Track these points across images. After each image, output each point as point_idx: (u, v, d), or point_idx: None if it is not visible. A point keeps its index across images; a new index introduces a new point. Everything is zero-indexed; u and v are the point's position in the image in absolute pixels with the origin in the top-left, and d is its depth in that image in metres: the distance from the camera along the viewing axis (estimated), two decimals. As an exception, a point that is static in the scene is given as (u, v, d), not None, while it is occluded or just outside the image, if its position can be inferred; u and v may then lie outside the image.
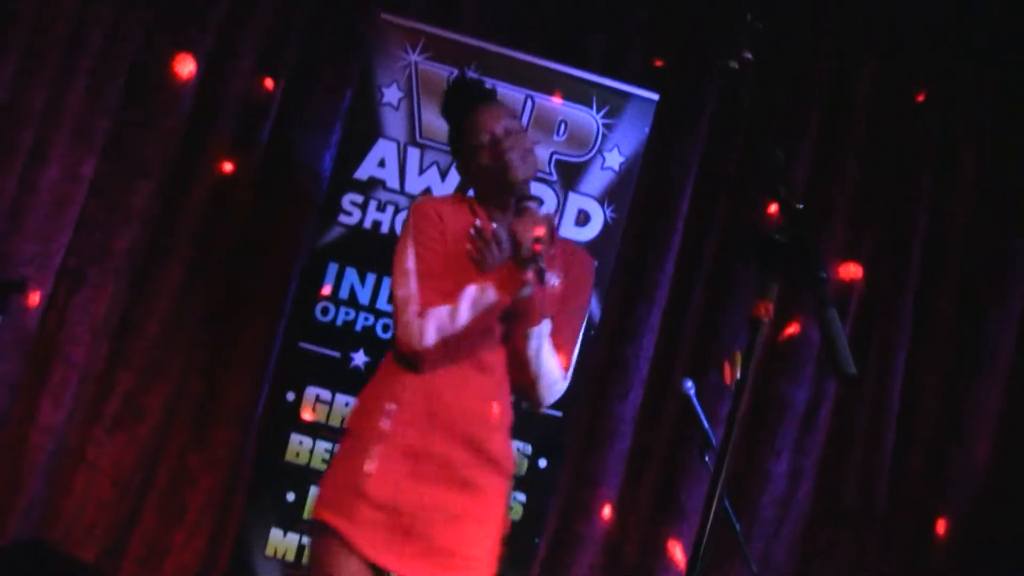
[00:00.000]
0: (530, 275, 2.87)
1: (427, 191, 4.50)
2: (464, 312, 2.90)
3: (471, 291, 2.91)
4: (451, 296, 2.93)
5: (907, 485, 4.91)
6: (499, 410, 3.04)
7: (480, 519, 2.99)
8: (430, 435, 2.93)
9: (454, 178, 4.47)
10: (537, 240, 2.82)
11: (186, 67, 4.75)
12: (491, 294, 2.89)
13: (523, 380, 3.08)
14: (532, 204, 3.03)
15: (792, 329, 4.95)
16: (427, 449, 2.92)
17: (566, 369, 3.12)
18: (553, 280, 3.12)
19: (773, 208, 4.74)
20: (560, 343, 3.10)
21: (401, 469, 2.90)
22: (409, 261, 3.01)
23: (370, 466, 2.90)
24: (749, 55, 2.23)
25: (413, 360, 2.95)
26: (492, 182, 3.08)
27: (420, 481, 2.90)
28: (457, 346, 2.95)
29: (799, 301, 4.88)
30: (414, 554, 2.89)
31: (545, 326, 3.03)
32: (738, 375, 2.06)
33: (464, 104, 3.18)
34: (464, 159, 3.18)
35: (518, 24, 4.99)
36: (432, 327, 2.91)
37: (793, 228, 2.05)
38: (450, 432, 2.94)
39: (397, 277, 3.01)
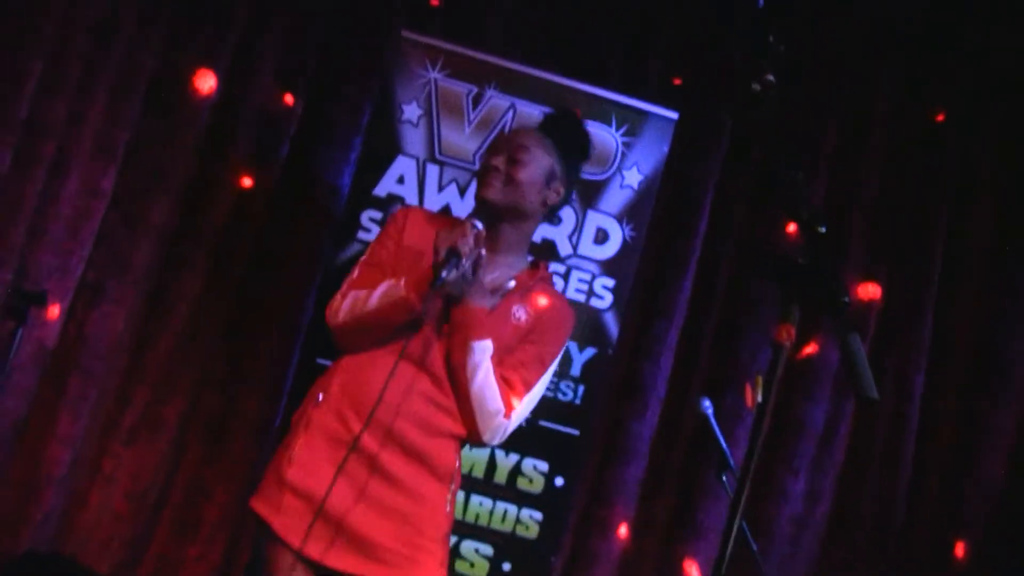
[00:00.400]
0: (441, 276, 2.88)
1: (446, 208, 4.50)
2: (374, 299, 3.01)
3: (386, 283, 3.03)
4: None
5: (925, 506, 4.90)
6: (437, 413, 3.04)
7: (407, 516, 2.99)
8: (355, 424, 2.97)
9: (473, 195, 4.48)
10: (451, 251, 2.89)
11: (206, 82, 4.77)
12: (400, 288, 2.97)
13: (460, 402, 3.06)
14: (474, 220, 3.04)
15: (810, 348, 4.94)
16: (340, 430, 2.98)
17: (510, 408, 3.07)
18: (519, 313, 3.13)
19: (792, 228, 4.73)
20: (509, 378, 3.08)
21: (322, 456, 2.96)
22: (367, 253, 3.23)
23: (292, 453, 3.00)
24: (771, 77, 2.22)
25: (335, 343, 3.12)
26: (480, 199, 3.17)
27: (332, 464, 2.93)
28: (382, 338, 3.02)
29: (817, 321, 4.87)
30: (338, 544, 2.93)
31: (488, 345, 3.02)
32: (759, 399, 2.05)
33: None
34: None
35: (538, 42, 5.00)
36: (347, 306, 3.06)
37: (815, 251, 2.04)
38: (360, 412, 2.97)
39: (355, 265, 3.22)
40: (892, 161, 5.07)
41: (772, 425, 4.89)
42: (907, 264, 5.02)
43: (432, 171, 4.54)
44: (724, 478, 3.69)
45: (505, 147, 3.17)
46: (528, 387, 3.13)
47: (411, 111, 4.53)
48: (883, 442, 4.95)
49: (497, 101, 4.55)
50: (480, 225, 3.03)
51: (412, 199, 4.51)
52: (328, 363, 4.37)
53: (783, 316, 2.03)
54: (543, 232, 4.52)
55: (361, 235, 4.49)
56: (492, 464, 4.48)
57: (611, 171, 4.58)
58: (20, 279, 4.53)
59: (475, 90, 4.55)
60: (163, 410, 4.74)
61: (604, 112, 4.58)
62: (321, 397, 3.06)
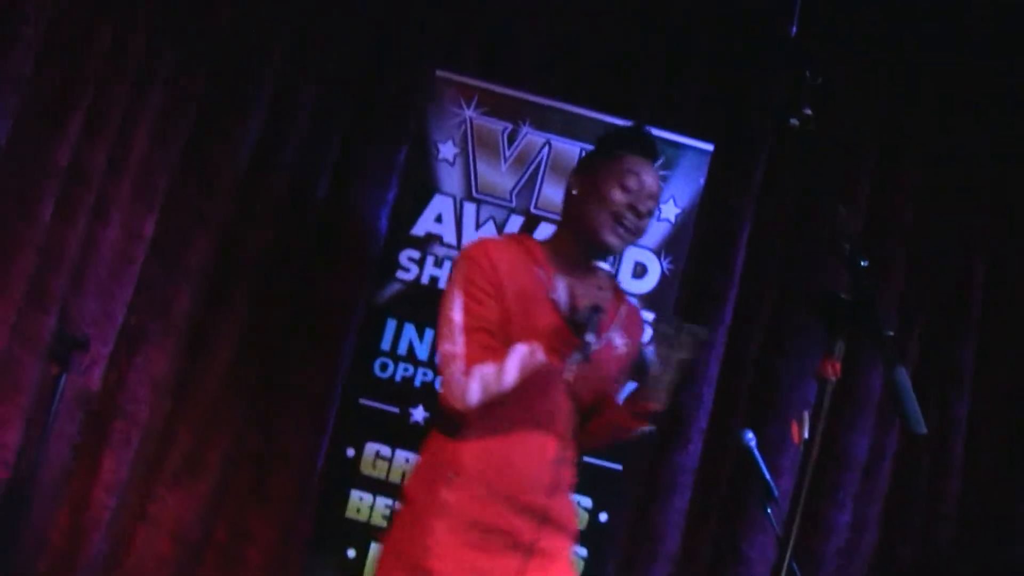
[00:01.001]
0: (588, 341, 2.71)
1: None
2: (511, 372, 2.76)
3: (520, 351, 2.78)
4: (499, 353, 2.80)
5: (972, 535, 4.85)
6: (562, 471, 2.92)
7: None
8: (493, 505, 2.81)
9: (511, 232, 4.50)
10: (596, 308, 2.75)
11: (243, 124, 4.81)
12: (539, 356, 2.77)
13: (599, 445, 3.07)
14: (603, 266, 2.93)
15: (853, 378, 4.91)
16: (490, 519, 2.81)
17: None
18: (618, 340, 3.01)
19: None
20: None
21: (464, 541, 2.79)
22: (456, 313, 2.87)
23: (433, 540, 2.80)
24: (809, 111, 2.23)
25: (457, 419, 2.84)
26: (586, 232, 2.93)
27: (484, 552, 2.80)
28: (509, 405, 2.82)
29: (859, 350, 4.84)
30: None
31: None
32: (806, 435, 2.05)
33: (623, 142, 3.02)
34: (579, 193, 2.99)
35: (571, 77, 5.01)
36: (477, 386, 2.77)
37: (858, 286, 2.04)
38: (513, 500, 2.82)
39: (442, 328, 2.88)
40: (930, 190, 5.04)
41: (816, 456, 4.86)
42: (947, 290, 4.99)
43: (469, 209, 4.55)
44: (768, 510, 3.65)
45: (640, 192, 2.94)
46: None
47: (447, 149, 4.55)
48: (929, 472, 4.91)
49: (532, 138, 4.56)
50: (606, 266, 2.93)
51: (450, 238, 4.52)
52: (370, 403, 4.44)
53: (828, 351, 2.03)
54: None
55: (400, 274, 4.50)
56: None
57: (648, 205, 4.58)
58: (63, 325, 4.57)
59: (510, 127, 4.56)
60: (206, 452, 4.76)
61: (639, 146, 4.58)
62: (454, 475, 2.83)
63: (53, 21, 4.52)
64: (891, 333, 1.97)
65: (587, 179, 2.98)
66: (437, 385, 4.45)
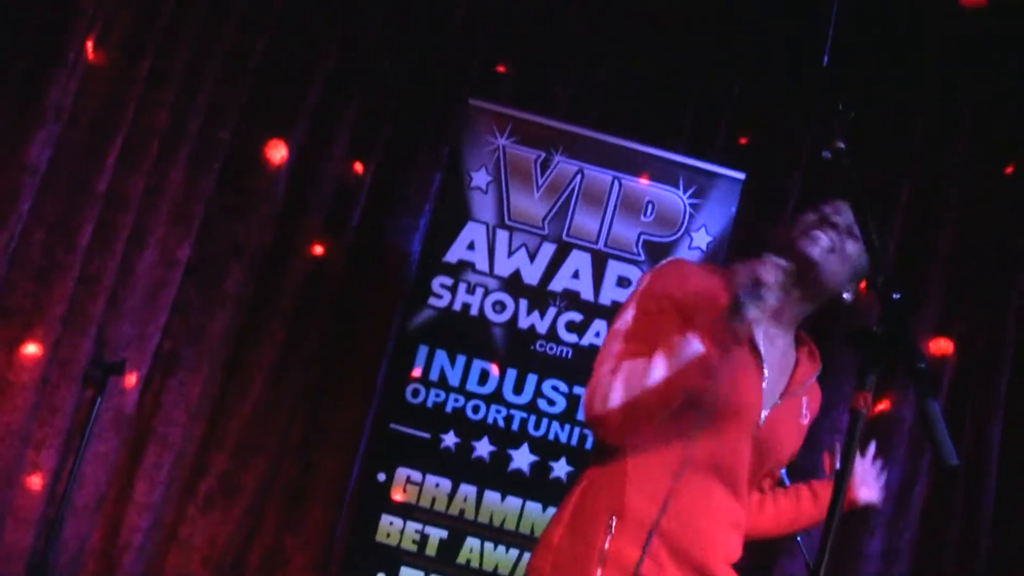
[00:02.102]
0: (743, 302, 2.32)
1: (516, 273, 4.54)
2: (659, 364, 2.35)
3: (670, 342, 2.37)
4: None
5: (1007, 565, 4.82)
6: (733, 538, 2.58)
7: None
8: (657, 560, 2.45)
9: (543, 260, 4.54)
10: (757, 281, 2.34)
11: (279, 152, 4.86)
12: (694, 344, 2.33)
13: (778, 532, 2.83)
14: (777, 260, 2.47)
15: (883, 406, 4.90)
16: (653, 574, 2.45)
17: None
18: (805, 409, 2.67)
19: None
20: None
21: None
22: (624, 324, 2.52)
23: None
24: (842, 144, 2.24)
25: (596, 431, 2.49)
26: (778, 246, 2.57)
27: None
28: (683, 443, 2.44)
29: (890, 379, 4.83)
30: None
31: None
32: (838, 466, 2.05)
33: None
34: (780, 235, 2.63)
35: (604, 106, 5.05)
36: (620, 382, 2.39)
37: (891, 319, 2.04)
38: (680, 558, 2.47)
39: (607, 339, 2.54)
40: (966, 214, 5.04)
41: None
42: (983, 316, 4.98)
43: (502, 236, 4.58)
44: (799, 539, 3.65)
45: (841, 216, 2.60)
46: None
47: (480, 177, 4.59)
48: (962, 499, 4.88)
49: (565, 166, 4.59)
50: (785, 264, 2.47)
51: (483, 265, 4.55)
52: (402, 429, 4.47)
53: (859, 384, 2.03)
54: (612, 295, 4.54)
55: (432, 301, 4.53)
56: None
57: (679, 233, 4.60)
58: (99, 348, 4.62)
59: (543, 155, 4.60)
60: (240, 476, 4.79)
61: (671, 174, 4.61)
62: (614, 522, 2.45)
63: (94, 50, 4.58)
64: (923, 366, 1.97)
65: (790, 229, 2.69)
66: (469, 412, 4.49)
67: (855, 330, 2.03)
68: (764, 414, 2.51)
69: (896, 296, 2.05)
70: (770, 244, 2.55)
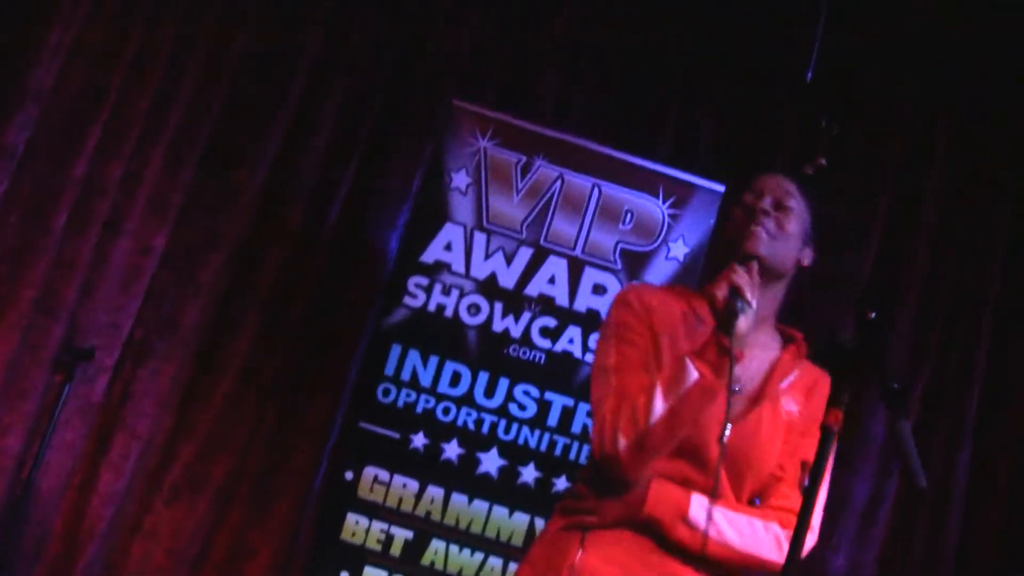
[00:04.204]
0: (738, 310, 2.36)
1: (492, 276, 4.53)
2: (659, 397, 2.36)
3: (666, 374, 2.40)
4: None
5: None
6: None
7: None
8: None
9: (519, 264, 4.53)
10: (736, 290, 2.40)
11: (260, 144, 4.84)
12: (690, 371, 2.36)
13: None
14: (741, 268, 2.50)
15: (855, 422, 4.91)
16: None
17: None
18: (790, 406, 2.60)
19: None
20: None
21: None
22: (609, 358, 2.53)
23: None
24: (823, 161, 2.25)
25: (608, 470, 2.44)
26: (726, 254, 2.61)
27: None
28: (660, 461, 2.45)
29: (860, 396, 4.84)
30: None
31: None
32: (806, 482, 2.05)
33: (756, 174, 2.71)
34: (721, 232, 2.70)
35: (587, 113, 5.05)
36: (625, 421, 2.39)
37: (866, 337, 2.04)
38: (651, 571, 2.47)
39: (596, 378, 2.53)
40: (943, 232, 5.05)
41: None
42: (956, 338, 4.99)
43: (479, 239, 4.57)
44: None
45: (770, 190, 2.64)
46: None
47: (460, 179, 4.58)
48: (928, 517, 4.89)
49: (545, 171, 4.59)
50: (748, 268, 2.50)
51: (459, 267, 4.54)
52: (371, 428, 4.45)
53: (832, 401, 2.03)
54: (588, 302, 4.54)
55: (407, 300, 4.52)
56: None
57: (657, 243, 4.60)
58: (70, 335, 4.58)
59: (524, 159, 4.59)
60: (208, 468, 4.75)
61: (651, 184, 4.61)
62: (588, 539, 2.48)
63: (76, 35, 4.56)
64: (897, 386, 1.97)
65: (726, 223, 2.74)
66: (439, 414, 4.47)
67: (828, 346, 2.03)
68: (729, 426, 2.46)
69: (871, 315, 2.06)
70: (718, 253, 2.57)
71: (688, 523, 2.42)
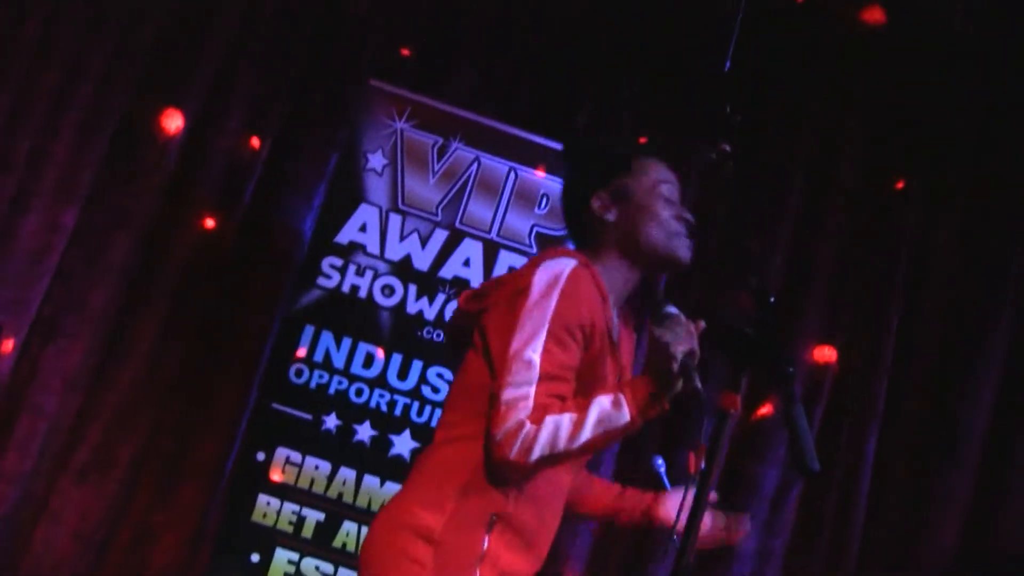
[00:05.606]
0: (700, 390, 2.37)
1: (407, 258, 4.51)
2: (587, 430, 2.35)
3: (602, 405, 2.37)
4: (567, 401, 2.42)
5: (875, 569, 4.90)
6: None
7: None
8: (524, 558, 2.54)
9: (434, 246, 4.52)
10: (689, 355, 2.37)
11: (173, 122, 4.77)
12: (625, 413, 2.37)
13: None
14: (673, 310, 2.47)
15: (765, 410, 4.95)
16: (519, 573, 2.54)
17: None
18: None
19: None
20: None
21: None
22: (535, 353, 2.39)
23: None
24: (727, 147, 2.26)
25: (502, 471, 2.42)
26: (649, 251, 2.61)
27: None
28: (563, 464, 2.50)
29: (773, 383, 4.89)
30: None
31: None
32: (702, 466, 2.07)
33: (646, 146, 2.75)
34: (618, 202, 2.64)
35: (505, 96, 5.04)
36: (545, 440, 2.34)
37: (763, 321, 2.06)
38: (538, 554, 2.59)
39: (512, 364, 2.40)
40: (852, 227, 5.10)
41: (724, 485, 4.90)
42: (863, 330, 5.05)
43: (395, 220, 4.55)
44: (675, 537, 3.67)
45: (683, 199, 2.69)
46: None
47: (376, 160, 4.56)
48: (835, 504, 4.96)
49: (462, 153, 4.58)
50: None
51: (374, 248, 4.52)
52: (283, 409, 4.42)
53: (730, 384, 2.05)
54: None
55: (321, 281, 4.49)
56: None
57: (572, 227, 4.60)
58: (-24, 313, 4.51)
59: (440, 142, 4.58)
60: (115, 449, 4.69)
61: (568, 168, 4.61)
62: (496, 522, 2.47)
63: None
64: (791, 370, 2.00)
65: (621, 199, 2.66)
66: (352, 395, 4.45)
67: (725, 332, 2.05)
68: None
69: (771, 299, 2.08)
70: (611, 228, 2.62)
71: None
